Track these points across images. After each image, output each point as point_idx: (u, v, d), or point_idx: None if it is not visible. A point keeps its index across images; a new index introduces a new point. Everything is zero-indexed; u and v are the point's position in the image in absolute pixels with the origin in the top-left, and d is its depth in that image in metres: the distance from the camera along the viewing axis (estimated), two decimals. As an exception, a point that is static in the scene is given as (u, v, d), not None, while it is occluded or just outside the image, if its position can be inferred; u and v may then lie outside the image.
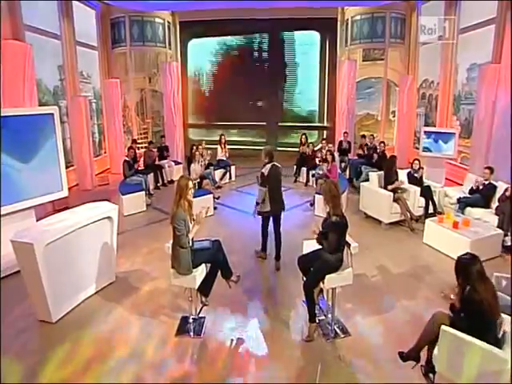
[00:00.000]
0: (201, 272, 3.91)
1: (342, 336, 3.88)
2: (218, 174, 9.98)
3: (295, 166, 10.53)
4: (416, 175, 7.48)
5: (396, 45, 12.28)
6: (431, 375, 3.17)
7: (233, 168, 10.69)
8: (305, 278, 4.04)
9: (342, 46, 13.26)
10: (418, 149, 10.15)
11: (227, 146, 10.74)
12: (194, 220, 3.93)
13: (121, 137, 12.03)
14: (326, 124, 13.86)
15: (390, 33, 12.09)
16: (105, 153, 12.18)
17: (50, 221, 4.39)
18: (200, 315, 4.19)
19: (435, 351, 3.02)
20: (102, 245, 4.85)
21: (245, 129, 14.33)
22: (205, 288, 4.05)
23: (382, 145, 9.85)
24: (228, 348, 3.76)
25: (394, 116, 13.14)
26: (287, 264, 5.35)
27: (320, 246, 3.92)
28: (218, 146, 10.41)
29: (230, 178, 10.58)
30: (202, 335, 3.92)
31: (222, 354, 3.67)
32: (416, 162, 7.64)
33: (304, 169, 10.31)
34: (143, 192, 8.19)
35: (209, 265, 4.05)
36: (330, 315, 4.06)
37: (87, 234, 4.55)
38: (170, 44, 13.10)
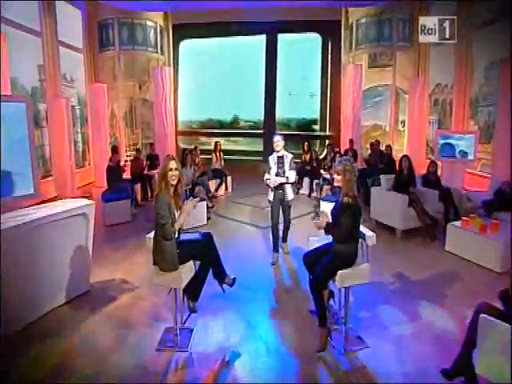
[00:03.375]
0: (188, 269, 3.48)
1: (359, 348, 3.44)
2: (212, 184, 9.62)
3: (297, 177, 10.18)
4: (433, 179, 7.15)
5: (404, 48, 12.18)
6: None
7: (229, 178, 10.34)
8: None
9: (346, 51, 13.19)
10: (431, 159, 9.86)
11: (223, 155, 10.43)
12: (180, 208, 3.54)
13: (107, 147, 11.71)
14: (328, 133, 13.63)
15: (397, 35, 12.00)
16: (89, 164, 11.86)
17: (8, 215, 3.96)
18: (187, 324, 3.75)
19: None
20: (75, 247, 4.42)
21: (240, 137, 14.12)
22: (193, 290, 3.60)
23: (389, 148, 9.62)
24: (220, 364, 3.29)
25: (403, 126, 12.92)
26: (291, 270, 5.05)
27: (328, 242, 3.54)
28: (213, 154, 10.08)
29: (226, 188, 10.22)
30: (188, 348, 3.47)
31: (212, 371, 3.21)
32: (433, 164, 7.34)
33: (307, 179, 9.98)
34: (129, 200, 7.79)
35: (198, 263, 3.62)
36: (342, 323, 3.62)
37: (55, 233, 4.12)
38: (162, 49, 13.02)
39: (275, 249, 5.66)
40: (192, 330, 3.70)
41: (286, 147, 5.61)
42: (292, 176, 5.47)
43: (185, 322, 3.70)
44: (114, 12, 11.61)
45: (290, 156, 5.53)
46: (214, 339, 3.62)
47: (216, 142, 10.33)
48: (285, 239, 5.90)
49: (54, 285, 4.22)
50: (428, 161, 10.46)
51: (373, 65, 13.30)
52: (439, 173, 7.64)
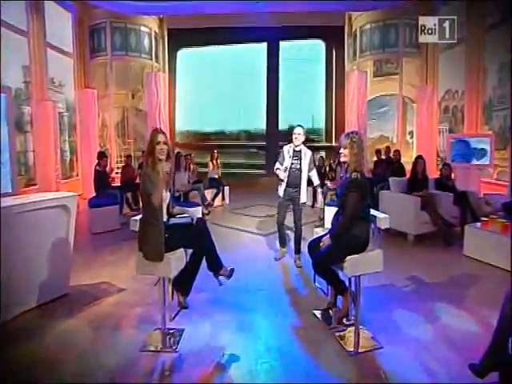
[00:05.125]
0: (178, 258, 3.23)
1: (372, 348, 3.17)
2: (208, 194, 9.41)
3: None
4: (448, 182, 6.97)
5: (411, 54, 12.20)
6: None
7: (226, 189, 10.15)
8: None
9: (350, 59, 13.25)
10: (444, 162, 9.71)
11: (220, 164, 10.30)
12: (170, 191, 3.34)
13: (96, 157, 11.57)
14: (334, 143, 13.54)
15: (403, 41, 12.06)
16: (77, 175, 11.69)
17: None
18: (177, 322, 3.49)
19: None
20: (52, 243, 4.15)
21: (242, 149, 14.02)
22: (183, 283, 3.34)
23: (397, 153, 9.65)
24: (214, 365, 3.01)
25: (411, 137, 12.84)
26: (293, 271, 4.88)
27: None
28: (209, 162, 9.94)
29: (224, 199, 10.02)
30: (177, 349, 3.20)
31: (205, 372, 2.93)
32: (446, 167, 7.19)
33: (309, 189, 9.76)
34: (117, 206, 7.58)
35: (190, 252, 3.38)
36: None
37: (30, 225, 3.85)
38: (156, 56, 13.06)
39: (282, 243, 5.51)
40: (182, 331, 3.43)
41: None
42: (316, 179, 5.37)
43: (174, 317, 3.42)
44: (106, 16, 11.69)
45: (310, 153, 5.31)
46: (207, 340, 3.34)
47: (213, 150, 10.20)
48: (298, 250, 5.43)
49: (25, 285, 3.91)
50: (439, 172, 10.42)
51: (378, 73, 13.32)
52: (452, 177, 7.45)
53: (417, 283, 4.64)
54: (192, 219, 3.30)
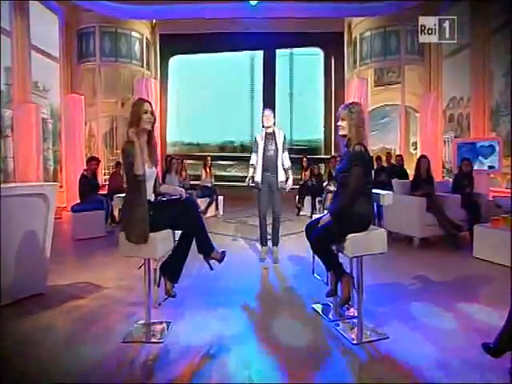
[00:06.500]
0: (165, 238, 3.12)
1: (377, 339, 3.05)
2: (201, 203, 9.30)
3: (297, 196, 9.97)
4: (466, 182, 6.96)
5: (414, 62, 12.33)
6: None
7: (220, 198, 10.06)
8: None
9: (349, 68, 13.37)
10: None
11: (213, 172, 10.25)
12: (155, 166, 3.27)
13: (82, 168, 11.50)
14: (334, 154, 13.51)
15: (405, 48, 12.19)
16: (61, 187, 11.56)
17: None
18: (162, 314, 3.37)
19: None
20: (28, 235, 4.03)
21: (236, 161, 14.01)
22: (171, 268, 3.22)
23: (400, 158, 9.80)
24: (203, 357, 2.87)
25: (415, 148, 12.86)
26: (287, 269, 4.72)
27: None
28: (202, 170, 9.89)
29: (217, 209, 9.91)
30: (162, 340, 3.07)
31: (192, 364, 2.79)
32: (466, 162, 7.28)
33: (308, 198, 9.73)
34: (103, 212, 7.46)
35: (178, 234, 3.27)
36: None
37: (1, 213, 3.68)
38: (148, 64, 13.15)
39: (263, 242, 5.46)
40: (170, 325, 3.31)
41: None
42: (287, 161, 5.35)
43: (160, 304, 3.29)
44: (95, 19, 11.76)
45: (283, 133, 5.40)
46: (196, 332, 3.22)
47: (206, 157, 10.17)
48: (275, 241, 5.43)
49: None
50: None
51: (379, 83, 13.42)
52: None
53: (423, 281, 4.54)
54: (181, 196, 3.21)
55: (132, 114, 3.16)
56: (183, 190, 3.28)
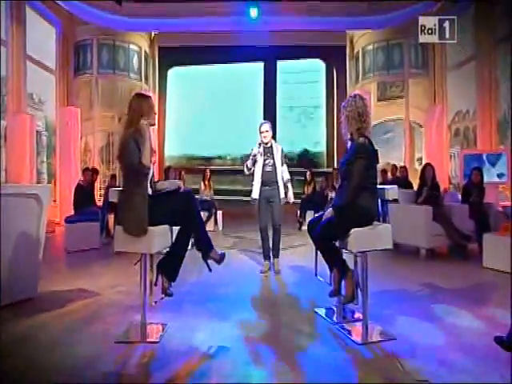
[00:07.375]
0: (163, 234, 3.11)
1: (383, 339, 3.01)
2: (199, 217, 9.27)
3: (299, 211, 9.97)
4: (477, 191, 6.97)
5: (418, 75, 12.45)
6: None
7: (219, 213, 10.04)
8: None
9: (352, 82, 13.51)
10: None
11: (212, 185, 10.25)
12: (153, 163, 3.28)
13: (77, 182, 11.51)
14: (336, 167, 13.56)
15: (409, 61, 12.34)
16: (54, 201, 11.56)
17: None
18: (159, 313, 3.33)
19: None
20: (20, 236, 4.00)
21: (237, 175, 14.01)
22: (169, 266, 3.19)
23: (404, 170, 9.89)
24: (200, 358, 2.82)
25: (420, 163, 12.87)
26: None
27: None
28: (201, 183, 9.90)
29: (216, 223, 9.88)
30: (158, 340, 3.03)
31: (188, 364, 2.74)
32: (476, 171, 7.24)
33: (310, 213, 9.72)
34: (98, 223, 7.43)
35: (176, 231, 3.25)
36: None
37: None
38: (146, 77, 13.30)
39: (266, 256, 5.45)
40: (165, 326, 3.27)
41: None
42: (286, 173, 5.46)
43: (156, 302, 3.24)
44: (93, 32, 11.96)
45: (281, 147, 5.51)
46: (193, 334, 3.18)
47: (205, 169, 10.18)
48: (276, 254, 5.43)
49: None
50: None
51: (382, 97, 13.49)
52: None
53: (431, 288, 4.51)
54: (179, 188, 3.22)
55: (135, 109, 3.18)
56: (181, 182, 3.29)
